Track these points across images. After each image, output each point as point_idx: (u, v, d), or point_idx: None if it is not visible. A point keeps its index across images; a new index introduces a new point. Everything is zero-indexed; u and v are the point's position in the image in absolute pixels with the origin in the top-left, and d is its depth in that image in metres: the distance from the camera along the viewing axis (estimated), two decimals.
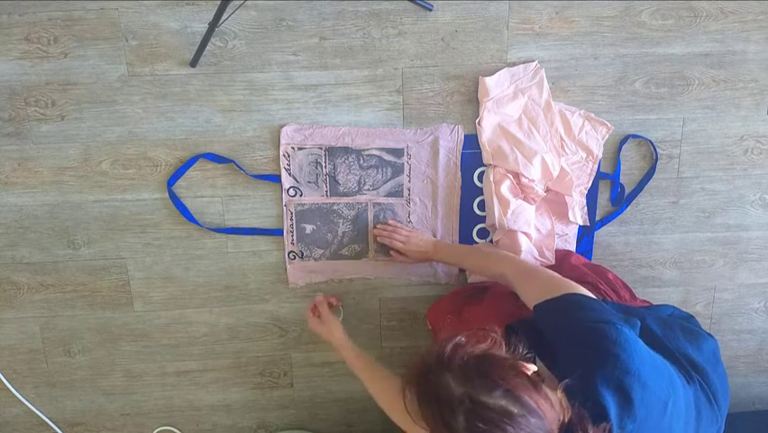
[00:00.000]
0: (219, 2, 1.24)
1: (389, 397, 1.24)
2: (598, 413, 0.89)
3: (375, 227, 1.57)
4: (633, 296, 1.39)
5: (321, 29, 1.44)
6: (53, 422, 1.75)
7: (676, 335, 1.14)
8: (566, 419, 0.87)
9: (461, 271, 1.63)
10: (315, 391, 1.76)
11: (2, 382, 1.69)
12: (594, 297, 1.08)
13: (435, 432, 0.86)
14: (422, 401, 0.87)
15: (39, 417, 1.73)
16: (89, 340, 1.67)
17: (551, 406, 0.86)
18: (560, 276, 1.17)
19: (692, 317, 1.26)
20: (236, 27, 1.43)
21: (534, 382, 0.87)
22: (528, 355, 0.94)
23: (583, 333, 0.98)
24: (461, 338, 0.90)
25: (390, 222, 1.57)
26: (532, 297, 1.14)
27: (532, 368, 0.90)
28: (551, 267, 1.52)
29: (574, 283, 1.12)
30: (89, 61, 1.44)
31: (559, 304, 1.06)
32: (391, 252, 1.57)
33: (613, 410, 0.90)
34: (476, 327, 1.16)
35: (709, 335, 1.18)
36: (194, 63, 1.43)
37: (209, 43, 1.39)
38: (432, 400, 0.86)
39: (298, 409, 1.78)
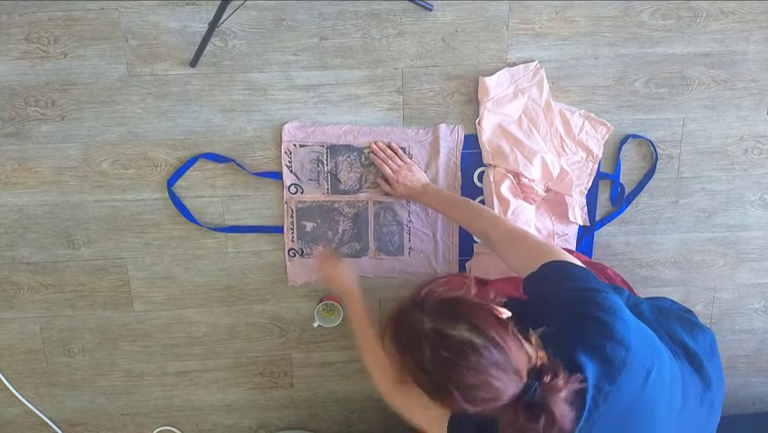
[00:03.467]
0: (219, 2, 1.24)
1: (379, 373, 1.26)
2: (575, 373, 0.91)
3: (374, 143, 1.51)
4: (631, 292, 1.39)
5: (321, 29, 1.44)
6: (53, 422, 1.75)
7: (671, 322, 1.14)
8: (538, 363, 0.89)
9: (462, 270, 1.63)
10: (315, 391, 1.76)
11: (2, 382, 1.69)
12: (580, 264, 1.06)
13: (405, 368, 0.91)
14: (394, 339, 0.93)
15: (39, 417, 1.73)
16: (89, 340, 1.67)
17: (519, 345, 0.88)
18: (547, 242, 1.15)
19: (691, 311, 1.26)
20: (236, 27, 1.43)
21: (503, 321, 0.89)
22: (503, 301, 0.96)
23: (569, 300, 0.98)
24: (435, 283, 0.95)
25: (392, 144, 1.51)
26: (515, 262, 1.14)
27: (505, 313, 0.92)
28: None
29: (560, 250, 1.10)
30: (89, 61, 1.44)
31: (545, 273, 1.05)
32: (378, 179, 1.53)
33: (591, 372, 0.91)
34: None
35: (707, 328, 1.19)
36: (194, 63, 1.43)
37: (209, 43, 1.39)
38: (402, 335, 0.92)
39: (298, 409, 1.78)
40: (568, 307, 0.98)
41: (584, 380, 0.90)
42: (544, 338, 0.97)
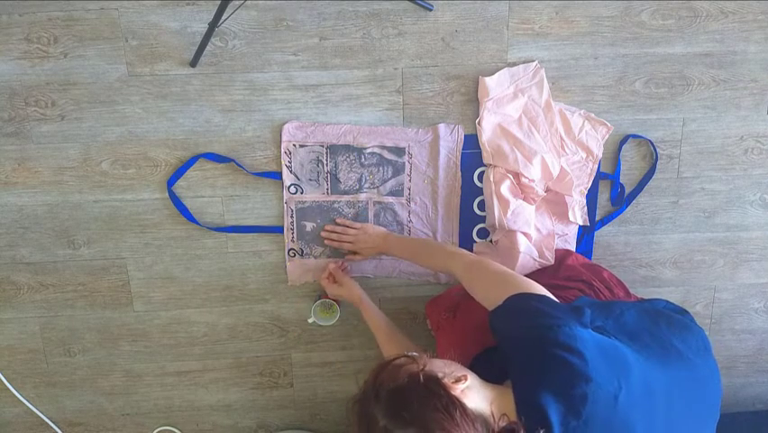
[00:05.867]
0: (219, 2, 1.24)
1: None
2: (539, 416, 0.92)
3: (323, 230, 1.57)
4: (627, 293, 1.39)
5: (321, 29, 1.44)
6: (53, 422, 1.75)
7: (660, 326, 1.13)
8: (496, 430, 0.91)
9: None
10: (315, 391, 1.76)
11: (2, 382, 1.69)
12: (544, 293, 1.07)
13: None
14: (357, 426, 0.96)
15: (39, 417, 1.73)
16: (89, 340, 1.67)
17: (472, 428, 0.89)
18: (506, 271, 1.17)
19: (687, 312, 1.26)
20: (236, 27, 1.43)
21: (453, 408, 0.90)
22: (464, 366, 0.98)
23: (528, 338, 0.99)
24: (390, 367, 0.96)
25: (338, 221, 1.57)
26: (479, 295, 1.16)
27: (460, 386, 0.93)
28: (549, 267, 1.52)
29: (522, 279, 1.12)
30: (89, 61, 1.44)
31: (507, 308, 1.06)
32: (345, 255, 1.59)
33: (553, 411, 0.92)
34: (471, 326, 1.17)
35: (699, 328, 1.19)
36: (194, 63, 1.43)
37: (209, 43, 1.39)
38: (362, 427, 0.94)
39: (298, 409, 1.78)
40: (528, 345, 0.99)
41: (549, 428, 0.91)
42: (513, 374, 0.99)
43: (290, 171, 1.53)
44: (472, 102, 1.51)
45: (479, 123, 1.51)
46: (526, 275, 1.31)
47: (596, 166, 1.55)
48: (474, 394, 0.95)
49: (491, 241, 1.60)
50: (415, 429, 0.88)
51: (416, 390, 0.92)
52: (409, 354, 0.99)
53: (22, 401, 1.71)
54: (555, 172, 1.50)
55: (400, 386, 0.93)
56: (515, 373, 1.00)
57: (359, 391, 0.98)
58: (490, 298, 1.10)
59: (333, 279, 1.56)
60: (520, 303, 1.06)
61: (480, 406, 0.94)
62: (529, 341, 0.99)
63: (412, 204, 1.57)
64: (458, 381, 0.94)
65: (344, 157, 1.53)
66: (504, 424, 0.92)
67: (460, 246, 1.60)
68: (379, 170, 1.54)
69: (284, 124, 1.50)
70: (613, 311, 1.15)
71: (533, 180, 1.49)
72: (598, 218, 1.62)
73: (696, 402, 1.07)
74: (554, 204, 1.58)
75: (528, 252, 1.50)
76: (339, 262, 1.60)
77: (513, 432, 0.90)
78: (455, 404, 0.91)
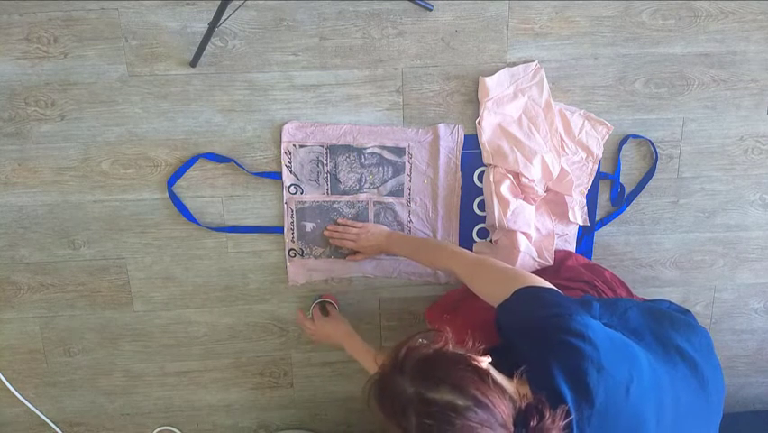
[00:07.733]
0: (219, 2, 1.24)
1: None
2: (557, 403, 0.91)
3: (326, 229, 1.57)
4: (629, 293, 1.39)
5: (321, 29, 1.44)
6: (53, 422, 1.75)
7: (663, 326, 1.14)
8: (522, 406, 0.89)
9: None
10: (315, 391, 1.76)
11: (2, 382, 1.68)
12: (547, 285, 1.07)
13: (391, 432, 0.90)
14: (380, 404, 0.92)
15: (39, 417, 1.73)
16: (89, 340, 1.67)
17: (502, 396, 0.88)
18: (510, 267, 1.16)
19: (689, 312, 1.26)
20: (236, 27, 1.43)
21: (483, 374, 0.89)
22: (482, 348, 0.96)
23: (539, 329, 0.99)
24: (413, 341, 0.94)
25: (340, 221, 1.57)
26: (485, 292, 1.15)
27: (484, 360, 0.92)
28: (549, 268, 1.52)
29: (527, 274, 1.11)
30: (89, 61, 1.44)
31: (516, 302, 1.06)
32: (347, 255, 1.59)
33: (569, 397, 0.92)
34: (466, 325, 1.18)
35: (703, 328, 1.19)
36: (194, 63, 1.43)
37: (209, 43, 1.39)
38: (387, 402, 0.90)
39: (298, 409, 1.78)
40: (540, 335, 0.99)
41: (569, 411, 0.91)
42: (524, 371, 0.98)
43: (290, 171, 1.53)
44: (472, 102, 1.51)
45: (479, 123, 1.51)
46: None
47: (596, 166, 1.55)
48: (496, 374, 0.94)
49: (491, 241, 1.60)
50: (448, 388, 0.86)
51: (444, 357, 0.90)
52: (428, 333, 0.97)
53: (22, 401, 1.71)
54: (555, 172, 1.50)
55: (427, 355, 0.91)
56: (528, 364, 0.98)
57: (377, 371, 0.94)
58: (496, 293, 1.09)
59: (314, 316, 1.54)
60: (529, 295, 1.05)
61: (504, 384, 0.93)
62: (541, 330, 0.99)
63: (412, 204, 1.57)
64: (480, 354, 0.93)
65: (344, 157, 1.53)
66: (528, 402, 0.91)
67: (460, 246, 1.60)
68: (379, 170, 1.54)
69: (284, 124, 1.50)
70: (618, 308, 1.15)
71: (533, 180, 1.49)
72: (598, 218, 1.62)
73: (699, 401, 1.07)
74: (554, 204, 1.58)
75: (528, 252, 1.50)
76: (324, 295, 1.61)
77: (538, 409, 0.88)
78: (485, 372, 0.90)
